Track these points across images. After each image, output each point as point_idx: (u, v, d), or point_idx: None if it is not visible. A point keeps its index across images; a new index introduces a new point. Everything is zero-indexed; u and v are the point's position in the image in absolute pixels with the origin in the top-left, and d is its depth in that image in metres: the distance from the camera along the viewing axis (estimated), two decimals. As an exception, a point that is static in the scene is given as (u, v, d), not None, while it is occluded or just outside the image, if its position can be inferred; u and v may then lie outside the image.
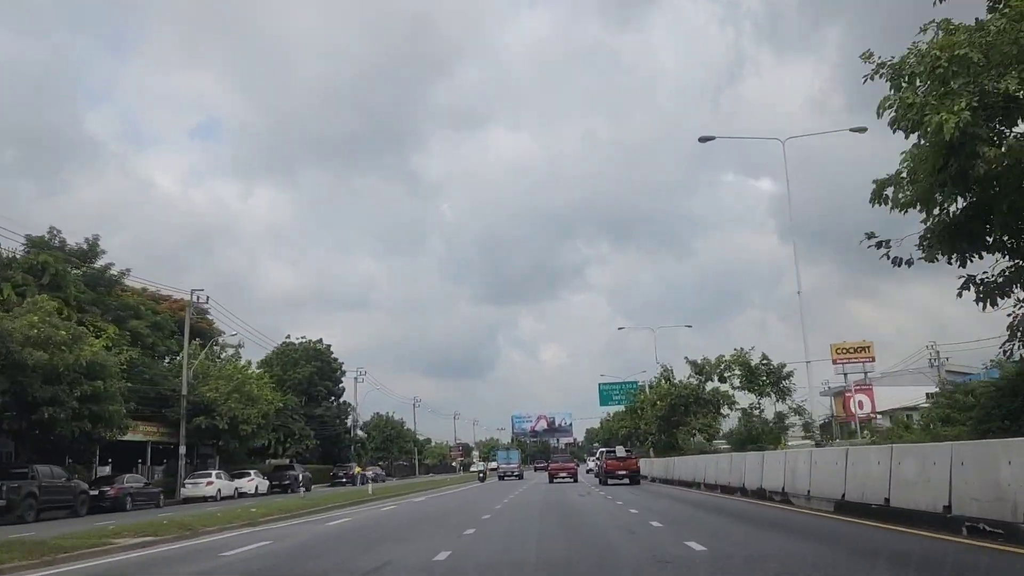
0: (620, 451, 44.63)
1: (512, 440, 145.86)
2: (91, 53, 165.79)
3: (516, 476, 59.39)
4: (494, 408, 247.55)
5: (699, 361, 48.28)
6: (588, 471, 63.70)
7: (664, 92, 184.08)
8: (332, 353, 72.45)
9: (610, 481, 38.77)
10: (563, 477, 46.42)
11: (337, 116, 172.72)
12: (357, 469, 56.58)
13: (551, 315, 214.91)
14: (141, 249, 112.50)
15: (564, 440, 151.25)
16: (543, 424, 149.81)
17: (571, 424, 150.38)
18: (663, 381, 50.91)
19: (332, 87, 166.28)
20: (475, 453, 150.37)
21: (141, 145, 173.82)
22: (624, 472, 39.76)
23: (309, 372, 66.03)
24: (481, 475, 62.52)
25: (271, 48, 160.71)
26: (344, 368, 74.21)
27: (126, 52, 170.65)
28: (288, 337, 69.43)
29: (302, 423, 63.05)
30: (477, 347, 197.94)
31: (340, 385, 73.98)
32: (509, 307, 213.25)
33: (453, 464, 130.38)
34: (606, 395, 64.37)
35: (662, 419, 50.53)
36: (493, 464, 78.28)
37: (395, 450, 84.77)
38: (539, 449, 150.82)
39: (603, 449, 54.43)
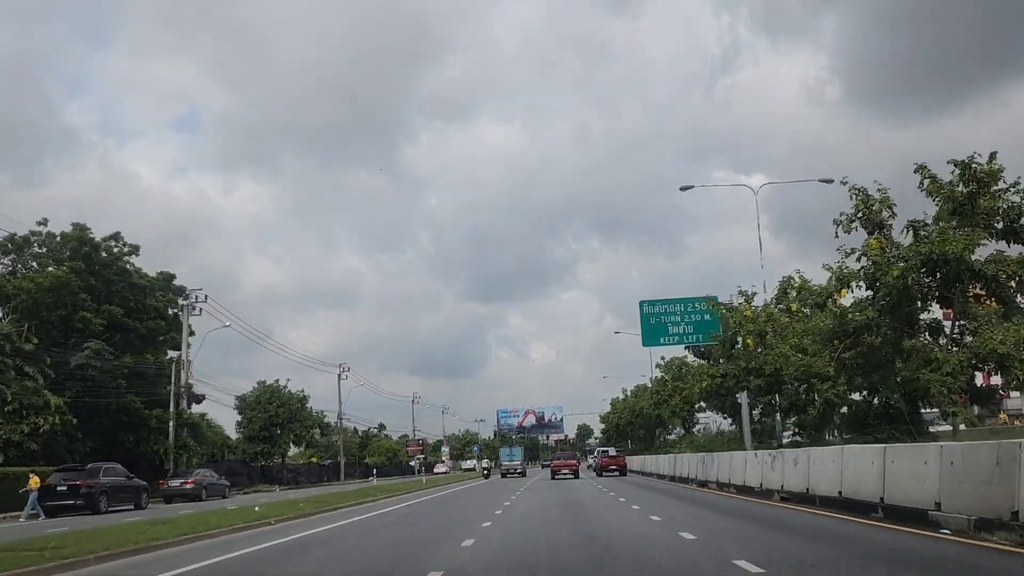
0: (612, 451, 54.00)
1: (495, 435, 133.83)
2: (68, 41, 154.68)
3: (519, 474, 56.94)
4: (484, 407, 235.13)
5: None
6: (588, 467, 65.74)
7: (657, 81, 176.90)
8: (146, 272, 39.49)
9: (604, 474, 46.89)
10: (565, 474, 45.67)
11: (322, 106, 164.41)
12: (32, 482, 23.92)
13: (540, 312, 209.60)
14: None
15: (554, 436, 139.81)
16: (531, 419, 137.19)
17: (562, 419, 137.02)
18: (864, 225, 17.73)
19: (317, 76, 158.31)
20: (444, 450, 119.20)
21: (122, 136, 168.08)
22: (615, 467, 47.52)
23: (56, 282, 32.88)
24: (485, 472, 61.43)
25: (254, 36, 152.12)
26: (187, 293, 41.60)
27: (105, 40, 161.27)
28: (44, 224, 36.37)
29: (37, 380, 30.19)
30: (465, 345, 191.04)
31: (169, 332, 41.23)
32: (497, 304, 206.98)
33: (411, 463, 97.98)
34: (656, 327, 31.67)
35: (853, 342, 17.66)
36: (470, 464, 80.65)
37: (284, 441, 51.71)
38: (526, 446, 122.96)
39: (600, 449, 65.89)
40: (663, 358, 54.99)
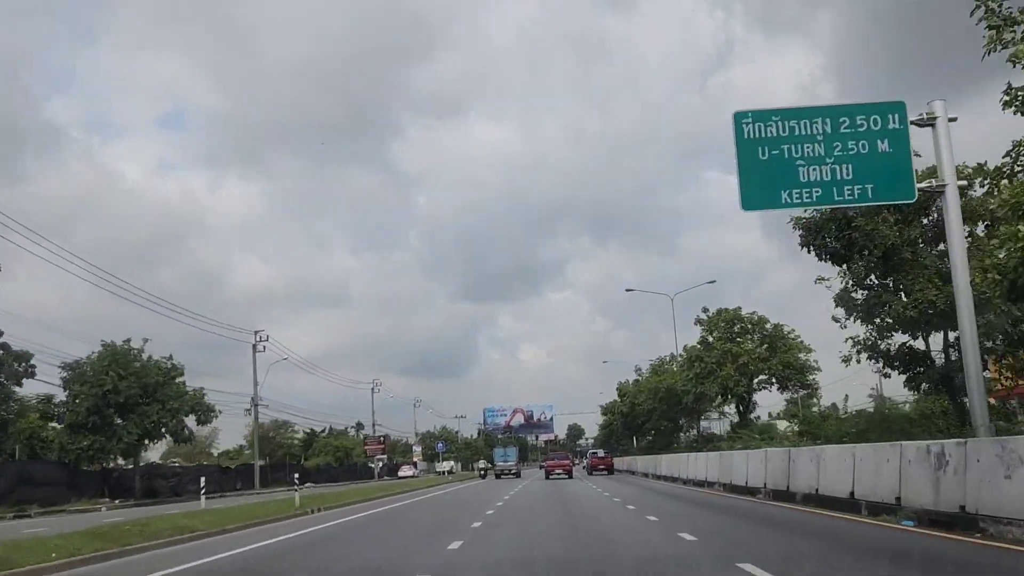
0: (600, 453, 61.19)
1: (479, 435, 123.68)
2: (51, 35, 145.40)
3: (513, 474, 55.63)
4: (475, 408, 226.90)
5: None
6: (583, 467, 67.70)
7: (652, 79, 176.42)
8: None
9: (594, 473, 51.44)
10: (559, 474, 46.56)
11: (313, 103, 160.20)
12: None
13: (532, 313, 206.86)
14: (108, 244, 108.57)
15: (544, 437, 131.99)
16: (519, 418, 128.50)
17: (552, 418, 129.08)
18: None
19: (308, 73, 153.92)
20: (416, 449, 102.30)
21: (106, 134, 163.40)
22: (603, 467, 52.27)
23: None
24: (482, 472, 62.96)
25: (243, 32, 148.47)
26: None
27: (90, 35, 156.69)
28: None
29: None
30: (457, 346, 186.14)
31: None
32: (489, 304, 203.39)
33: (370, 465, 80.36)
34: (775, 167, 14.11)
35: None
36: (447, 465, 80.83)
37: (129, 432, 32.93)
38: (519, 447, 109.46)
39: (592, 451, 72.62)
40: (705, 309, 37.80)
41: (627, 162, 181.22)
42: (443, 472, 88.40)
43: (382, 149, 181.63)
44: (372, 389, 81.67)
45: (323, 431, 79.33)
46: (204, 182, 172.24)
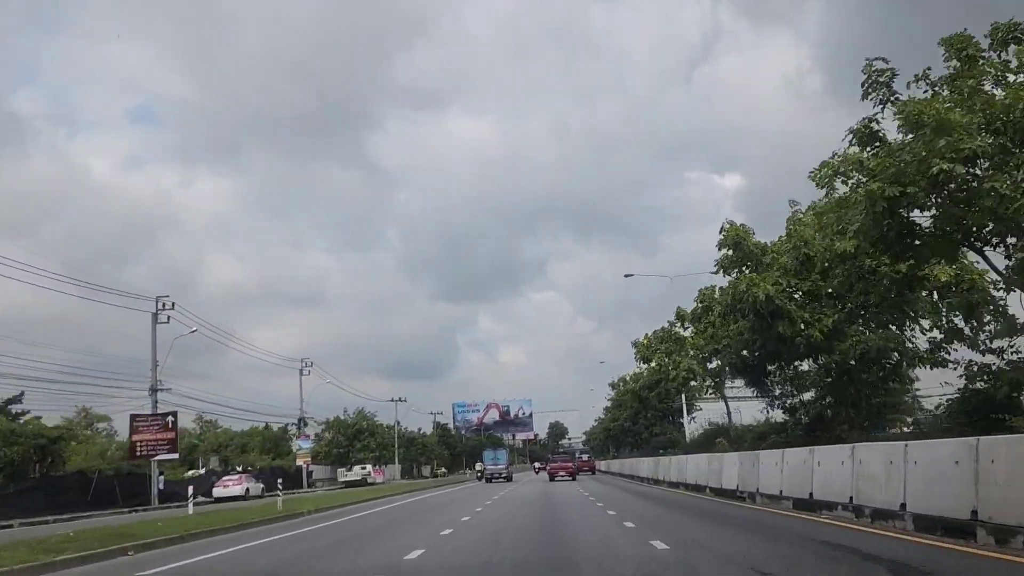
0: (585, 456, 75.76)
1: (435, 428, 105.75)
2: (15, 24, 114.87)
3: (504, 478, 54.72)
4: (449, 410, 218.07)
5: None
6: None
7: (636, 73, 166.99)
8: None
9: (578, 475, 55.16)
10: (562, 476, 48.97)
11: (289, 96, 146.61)
12: None
13: (513, 313, 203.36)
14: (78, 241, 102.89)
15: (522, 436, 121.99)
16: (494, 414, 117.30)
17: (531, 415, 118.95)
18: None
19: (283, 64, 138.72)
20: (304, 444, 63.30)
21: (73, 127, 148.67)
22: (587, 468, 65.60)
23: None
24: (478, 475, 61.80)
25: (215, 21, 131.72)
26: None
27: (55, 24, 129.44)
28: None
29: None
30: (436, 347, 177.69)
31: None
32: (468, 304, 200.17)
33: (148, 473, 39.97)
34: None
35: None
36: (359, 472, 63.14)
37: None
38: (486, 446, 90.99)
39: (579, 453, 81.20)
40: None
41: (610, 159, 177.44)
42: (355, 481, 58.60)
43: (360, 144, 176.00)
44: (153, 318, 40.65)
45: (26, 413, 39.17)
46: (175, 177, 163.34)
